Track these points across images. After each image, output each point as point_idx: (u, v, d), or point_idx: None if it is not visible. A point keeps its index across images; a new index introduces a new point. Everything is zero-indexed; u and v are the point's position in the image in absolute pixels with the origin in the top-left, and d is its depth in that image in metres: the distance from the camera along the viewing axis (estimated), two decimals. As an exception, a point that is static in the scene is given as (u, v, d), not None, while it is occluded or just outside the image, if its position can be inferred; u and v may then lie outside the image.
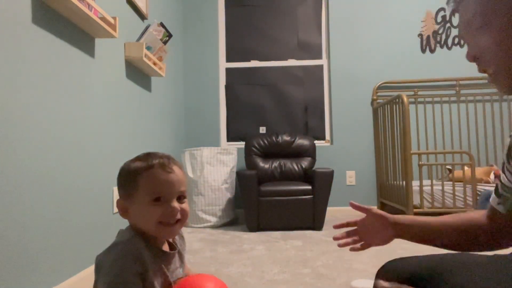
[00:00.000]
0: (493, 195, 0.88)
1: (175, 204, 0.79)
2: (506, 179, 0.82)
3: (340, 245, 1.00)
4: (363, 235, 0.99)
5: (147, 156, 0.83)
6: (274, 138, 3.62)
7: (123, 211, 0.82)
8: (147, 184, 0.79)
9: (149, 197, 0.78)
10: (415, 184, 3.10)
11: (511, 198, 0.83)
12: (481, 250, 0.85)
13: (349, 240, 1.00)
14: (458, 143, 3.85)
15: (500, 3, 0.65)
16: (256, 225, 3.04)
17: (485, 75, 0.72)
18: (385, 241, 0.95)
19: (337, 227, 1.02)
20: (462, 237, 0.86)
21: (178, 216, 0.80)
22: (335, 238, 1.00)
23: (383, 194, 3.70)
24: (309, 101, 4.08)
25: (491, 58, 0.68)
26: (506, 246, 0.86)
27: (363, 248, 0.98)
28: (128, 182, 0.81)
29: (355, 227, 1.01)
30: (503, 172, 0.84)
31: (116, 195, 2.15)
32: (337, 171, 3.89)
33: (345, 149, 3.92)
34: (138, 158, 0.83)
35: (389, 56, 3.93)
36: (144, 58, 2.38)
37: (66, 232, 1.64)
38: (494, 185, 0.88)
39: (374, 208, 0.97)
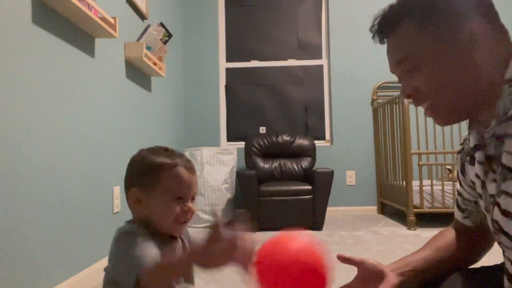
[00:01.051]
0: (455, 209, 0.87)
1: (190, 204, 0.82)
2: (466, 193, 0.82)
3: None
4: None
5: (169, 152, 0.84)
6: (274, 138, 3.62)
7: (136, 201, 0.81)
8: (171, 182, 0.80)
9: (171, 195, 0.80)
10: (415, 184, 3.10)
11: (475, 211, 0.82)
12: (464, 266, 0.83)
13: None
14: (458, 143, 3.84)
15: (430, 46, 0.64)
16: (256, 225, 3.04)
17: None
18: None
19: None
20: (451, 260, 0.82)
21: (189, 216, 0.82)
22: None
23: (383, 194, 3.70)
24: (309, 101, 4.08)
25: (424, 96, 0.67)
26: (477, 259, 0.85)
27: None
28: (149, 175, 0.81)
29: None
30: (461, 186, 0.83)
31: (116, 195, 2.15)
32: (337, 171, 3.88)
33: (345, 149, 3.91)
34: (159, 152, 0.84)
35: (389, 56, 3.92)
36: (144, 58, 2.38)
37: (66, 232, 1.64)
38: None
39: (365, 260, 0.79)
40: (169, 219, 0.80)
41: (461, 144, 0.82)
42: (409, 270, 0.78)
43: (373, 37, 0.75)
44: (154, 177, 0.80)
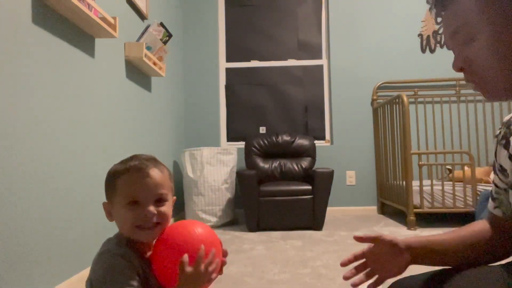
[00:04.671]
0: (490, 199, 0.85)
1: (151, 208, 0.79)
2: (498, 180, 0.80)
3: (354, 285, 0.85)
4: (374, 266, 0.84)
5: (129, 159, 0.84)
6: (274, 138, 3.62)
7: (108, 213, 0.84)
8: (123, 188, 0.80)
9: (125, 201, 0.79)
10: (415, 184, 3.10)
11: (505, 201, 0.79)
12: (492, 261, 0.80)
13: (362, 277, 0.84)
14: (458, 143, 3.85)
15: (484, 16, 0.61)
16: (256, 225, 3.04)
17: None
18: (400, 268, 0.81)
19: (344, 264, 0.86)
20: (475, 251, 0.80)
21: (155, 219, 0.79)
22: (345, 278, 0.85)
23: (383, 194, 3.70)
24: (309, 101, 4.08)
25: (478, 68, 0.64)
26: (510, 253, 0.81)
27: (377, 284, 0.83)
28: (109, 186, 0.83)
29: (363, 260, 0.86)
30: (495, 172, 0.81)
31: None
32: (337, 171, 3.89)
33: (345, 149, 3.92)
34: (121, 161, 0.85)
35: (389, 56, 3.92)
36: (144, 58, 2.38)
37: (66, 232, 1.64)
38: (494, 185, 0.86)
39: (383, 235, 0.83)
40: (126, 225, 0.79)
41: (499, 128, 0.79)
42: (423, 258, 0.81)
43: (430, 9, 0.72)
44: (112, 187, 0.81)
